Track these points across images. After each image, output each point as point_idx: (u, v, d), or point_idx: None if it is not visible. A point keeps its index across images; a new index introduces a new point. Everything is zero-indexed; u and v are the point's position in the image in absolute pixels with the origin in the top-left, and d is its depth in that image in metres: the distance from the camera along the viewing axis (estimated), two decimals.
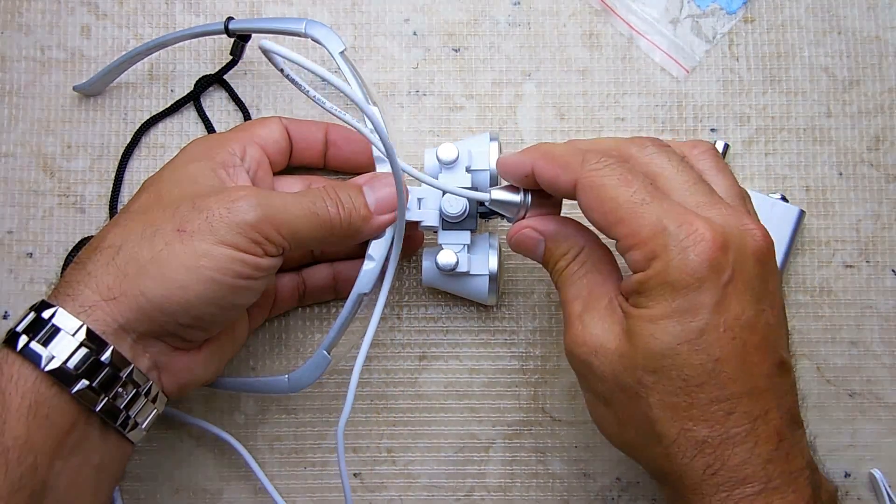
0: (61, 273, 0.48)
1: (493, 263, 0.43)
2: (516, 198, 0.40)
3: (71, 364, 0.34)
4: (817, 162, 0.48)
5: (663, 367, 0.33)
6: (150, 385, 0.37)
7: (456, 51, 0.49)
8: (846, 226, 0.48)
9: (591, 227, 0.38)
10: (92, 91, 0.49)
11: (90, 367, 0.34)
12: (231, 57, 0.48)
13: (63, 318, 0.35)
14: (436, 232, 0.43)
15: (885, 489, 0.46)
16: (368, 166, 0.44)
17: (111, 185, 0.48)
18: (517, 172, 0.38)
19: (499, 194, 0.40)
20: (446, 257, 0.42)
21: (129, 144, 0.49)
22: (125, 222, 0.37)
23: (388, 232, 0.41)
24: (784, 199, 0.46)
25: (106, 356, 0.35)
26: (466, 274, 0.43)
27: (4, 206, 0.49)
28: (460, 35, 0.49)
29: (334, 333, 0.41)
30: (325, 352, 0.42)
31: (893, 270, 0.48)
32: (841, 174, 0.48)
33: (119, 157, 0.49)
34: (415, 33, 0.49)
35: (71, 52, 0.50)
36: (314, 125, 0.46)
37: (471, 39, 0.49)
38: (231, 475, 0.47)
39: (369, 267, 0.41)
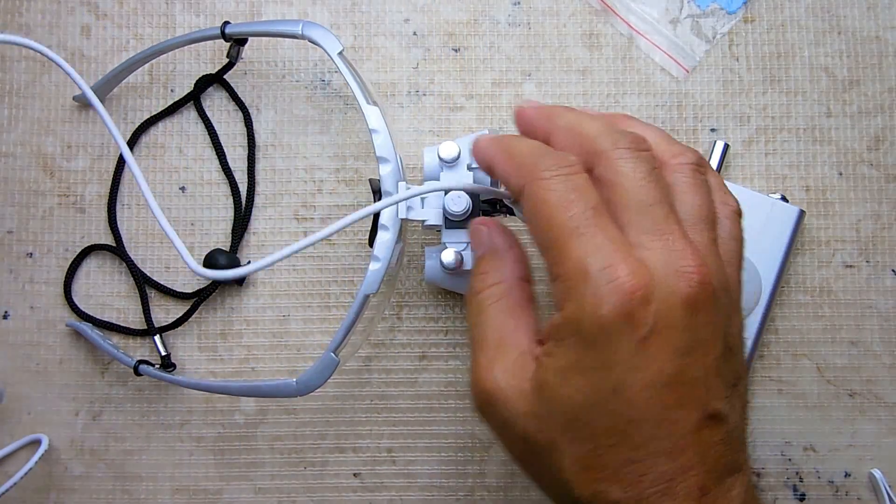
0: (64, 280, 0.48)
1: None
2: None
3: None
4: (817, 162, 0.49)
5: (575, 427, 0.30)
6: None
7: (456, 51, 0.49)
8: (846, 226, 0.48)
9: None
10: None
11: None
12: (228, 59, 0.48)
13: None
14: (439, 231, 0.43)
15: (885, 489, 0.46)
16: None
17: (111, 185, 0.48)
18: (481, 163, 0.35)
19: None
20: (450, 256, 0.42)
21: (128, 144, 0.49)
22: None
23: (392, 231, 0.41)
24: (784, 199, 0.46)
25: None
26: (469, 272, 0.43)
27: (4, 206, 0.48)
28: (460, 35, 0.50)
29: (341, 335, 0.41)
30: (332, 354, 0.41)
31: (893, 270, 0.48)
32: (841, 174, 0.48)
33: (119, 157, 0.49)
34: (415, 33, 0.50)
35: (71, 52, 0.49)
36: None
37: (471, 39, 0.49)
38: (231, 475, 0.47)
39: (375, 267, 0.41)
